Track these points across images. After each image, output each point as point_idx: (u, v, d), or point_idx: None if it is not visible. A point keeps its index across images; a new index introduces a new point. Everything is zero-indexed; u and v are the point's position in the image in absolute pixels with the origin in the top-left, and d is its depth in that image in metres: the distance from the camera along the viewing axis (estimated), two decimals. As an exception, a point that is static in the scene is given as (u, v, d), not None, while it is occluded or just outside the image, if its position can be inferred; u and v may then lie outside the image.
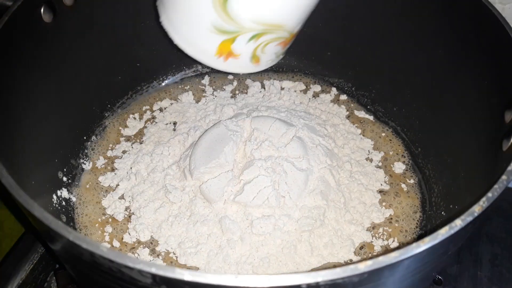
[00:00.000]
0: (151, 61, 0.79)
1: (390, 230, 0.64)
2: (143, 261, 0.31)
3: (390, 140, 0.75)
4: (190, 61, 0.84)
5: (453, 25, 0.61)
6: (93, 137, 0.73)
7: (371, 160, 0.71)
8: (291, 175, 0.62)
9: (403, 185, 0.69)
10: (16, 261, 0.65)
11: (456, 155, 0.62)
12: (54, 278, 0.64)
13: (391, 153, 0.73)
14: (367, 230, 0.63)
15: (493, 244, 0.68)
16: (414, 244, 0.33)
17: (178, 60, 0.83)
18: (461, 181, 0.59)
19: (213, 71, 0.85)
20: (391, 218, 0.65)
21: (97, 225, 0.64)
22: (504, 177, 0.37)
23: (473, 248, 0.68)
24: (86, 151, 0.71)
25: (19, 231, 0.69)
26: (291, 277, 0.30)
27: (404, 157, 0.72)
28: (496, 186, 0.36)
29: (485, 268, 0.66)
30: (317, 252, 0.59)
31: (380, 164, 0.71)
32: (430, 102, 0.69)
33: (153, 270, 0.31)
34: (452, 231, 0.34)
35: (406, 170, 0.71)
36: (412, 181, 0.69)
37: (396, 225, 0.64)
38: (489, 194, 0.36)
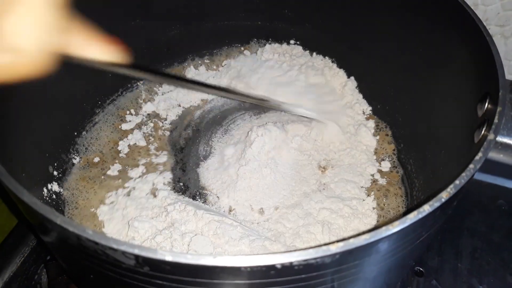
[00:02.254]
0: (140, 59, 0.81)
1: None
2: (127, 243, 0.33)
3: (374, 136, 0.77)
4: (181, 59, 0.86)
5: (433, 26, 0.63)
6: (84, 133, 0.74)
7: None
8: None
9: (386, 180, 0.71)
10: (6, 255, 0.67)
11: (436, 149, 0.64)
12: (45, 270, 0.65)
13: (375, 149, 0.75)
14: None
15: (474, 237, 0.71)
16: (384, 228, 0.35)
17: (169, 58, 0.85)
18: (440, 175, 0.61)
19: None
20: (376, 212, 0.67)
21: (87, 219, 0.65)
22: (471, 165, 0.39)
23: (454, 241, 0.70)
24: (76, 146, 0.73)
25: (9, 227, 0.71)
26: (266, 257, 0.32)
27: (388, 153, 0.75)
28: (463, 174, 0.38)
29: (466, 260, 0.68)
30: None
31: (364, 160, 0.73)
32: (412, 100, 0.71)
33: (136, 251, 0.33)
34: (420, 216, 0.36)
35: (390, 165, 0.73)
36: (395, 176, 0.71)
37: (380, 218, 0.66)
38: (457, 182, 0.38)
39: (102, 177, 0.70)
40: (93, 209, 0.66)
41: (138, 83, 0.83)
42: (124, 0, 0.72)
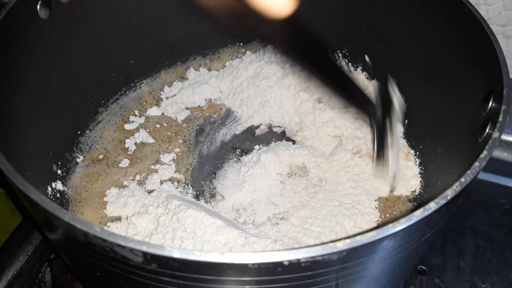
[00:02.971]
0: (144, 59, 0.81)
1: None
2: (135, 240, 0.33)
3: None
4: (184, 58, 0.86)
5: (436, 25, 0.63)
6: (87, 132, 0.75)
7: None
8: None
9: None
10: (10, 253, 0.67)
11: (439, 148, 0.64)
12: (49, 268, 0.65)
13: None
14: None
15: (476, 236, 0.71)
16: (390, 225, 0.35)
17: (171, 58, 0.85)
18: (446, 173, 0.61)
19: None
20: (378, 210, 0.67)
21: (90, 203, 0.66)
22: (476, 163, 0.39)
23: (457, 240, 0.70)
24: (80, 145, 0.73)
25: (12, 226, 0.71)
26: (273, 254, 0.32)
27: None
28: (468, 172, 0.39)
29: (468, 259, 0.68)
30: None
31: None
32: (418, 99, 0.71)
33: (144, 248, 0.33)
34: (426, 213, 0.36)
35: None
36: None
37: (383, 214, 0.66)
38: (462, 179, 0.38)
39: (109, 168, 0.71)
40: (100, 192, 0.67)
41: (142, 83, 0.83)
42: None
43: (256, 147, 0.74)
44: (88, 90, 0.74)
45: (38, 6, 0.57)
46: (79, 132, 0.73)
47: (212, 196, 0.69)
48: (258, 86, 0.80)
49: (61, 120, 0.69)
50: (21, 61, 0.57)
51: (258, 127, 0.79)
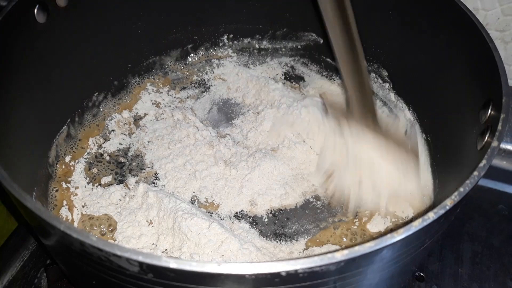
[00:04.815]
0: (141, 63, 0.81)
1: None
2: (131, 249, 0.33)
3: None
4: (181, 65, 0.86)
5: (435, 32, 0.63)
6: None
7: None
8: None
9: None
10: (6, 258, 0.66)
11: (441, 156, 0.64)
12: (45, 274, 0.65)
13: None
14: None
15: (474, 242, 0.71)
16: (389, 235, 0.35)
17: (169, 63, 0.85)
18: (444, 181, 0.61)
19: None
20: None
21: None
22: (475, 173, 0.39)
23: (455, 246, 0.70)
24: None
25: (9, 230, 0.70)
26: (271, 265, 0.32)
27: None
28: (467, 181, 0.38)
29: (466, 265, 0.68)
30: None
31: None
32: (416, 106, 0.71)
33: (140, 258, 0.33)
34: (425, 223, 0.36)
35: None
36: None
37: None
38: (461, 189, 0.38)
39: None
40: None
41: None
42: (126, 2, 0.72)
43: (261, 166, 0.73)
44: (85, 94, 0.74)
45: (36, 10, 0.57)
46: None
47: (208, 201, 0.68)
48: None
49: (56, 124, 0.69)
50: (19, 64, 0.57)
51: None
